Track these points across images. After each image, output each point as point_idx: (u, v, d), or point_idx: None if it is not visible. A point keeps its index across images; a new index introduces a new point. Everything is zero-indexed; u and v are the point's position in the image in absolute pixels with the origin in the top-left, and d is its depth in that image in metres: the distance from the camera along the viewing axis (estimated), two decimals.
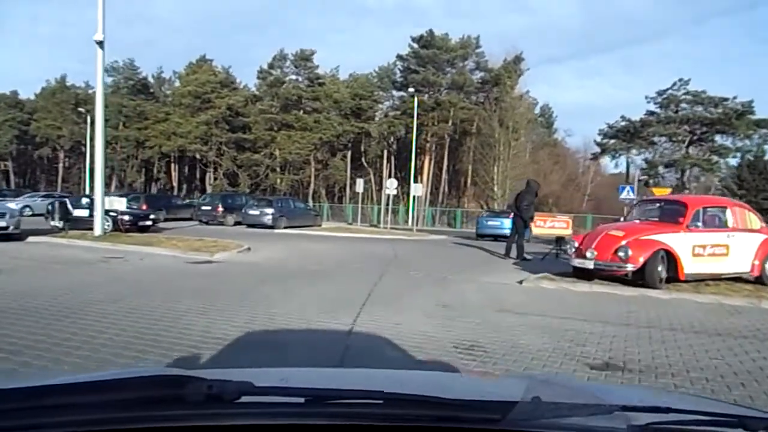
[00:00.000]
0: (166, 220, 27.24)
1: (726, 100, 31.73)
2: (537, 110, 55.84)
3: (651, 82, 75.33)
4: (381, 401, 0.94)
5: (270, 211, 23.50)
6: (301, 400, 0.92)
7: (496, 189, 49.02)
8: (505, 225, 26.49)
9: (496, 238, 22.85)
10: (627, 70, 75.64)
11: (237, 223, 24.60)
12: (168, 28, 78.22)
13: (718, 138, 33.30)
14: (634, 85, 77.37)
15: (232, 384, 0.90)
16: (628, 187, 23.14)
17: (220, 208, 25.02)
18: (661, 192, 24.66)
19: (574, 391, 1.39)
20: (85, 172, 49.19)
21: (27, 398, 0.90)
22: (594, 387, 2.24)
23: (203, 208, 25.56)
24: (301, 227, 24.45)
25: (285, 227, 23.90)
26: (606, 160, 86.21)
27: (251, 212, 23.88)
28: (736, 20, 73.06)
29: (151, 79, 59.06)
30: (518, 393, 1.03)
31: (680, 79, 32.87)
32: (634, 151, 36.45)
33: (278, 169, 51.27)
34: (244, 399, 0.88)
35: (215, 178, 52.12)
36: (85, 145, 45.08)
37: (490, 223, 25.61)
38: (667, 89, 33.35)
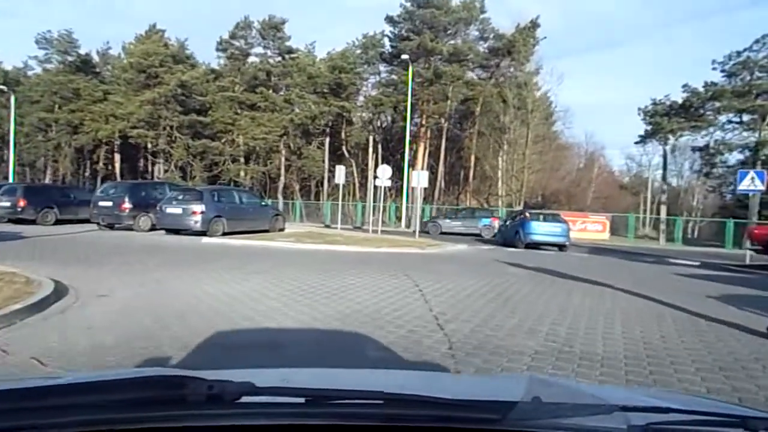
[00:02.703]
0: (58, 222, 18.63)
1: None
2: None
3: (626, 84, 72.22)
4: (381, 401, 0.93)
5: (199, 208, 15.01)
6: (302, 400, 0.91)
7: (500, 185, 41.13)
8: (562, 231, 18.48)
9: (555, 246, 18.31)
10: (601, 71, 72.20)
11: (155, 228, 16.14)
12: None
13: None
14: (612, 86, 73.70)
15: (233, 384, 0.89)
16: (753, 174, 15.18)
17: (127, 205, 16.34)
18: None
19: (574, 391, 1.38)
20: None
21: (27, 398, 0.89)
22: (594, 387, 2.11)
23: (101, 204, 16.75)
24: (252, 233, 16.05)
25: (225, 233, 15.43)
26: (617, 153, 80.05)
27: (170, 210, 15.35)
28: None
29: (95, 56, 49.85)
30: (518, 393, 1.02)
31: (764, 36, 25.22)
32: (686, 134, 28.62)
33: (241, 159, 42.55)
34: (245, 399, 0.88)
35: (165, 170, 43.16)
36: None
37: (543, 228, 17.66)
38: (743, 51, 25.81)
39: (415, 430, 0.90)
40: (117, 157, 45.39)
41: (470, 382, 1.91)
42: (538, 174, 43.88)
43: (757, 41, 25.67)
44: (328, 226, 31.06)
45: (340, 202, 25.46)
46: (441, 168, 41.15)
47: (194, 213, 14.92)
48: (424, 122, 39.87)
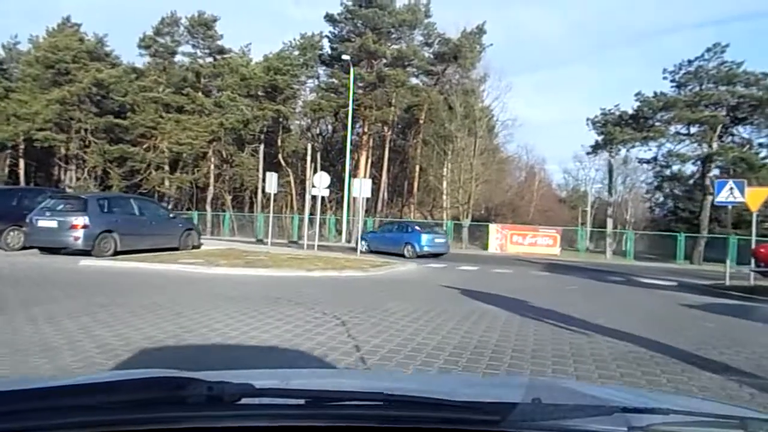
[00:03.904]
0: None
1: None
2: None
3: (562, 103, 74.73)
4: (381, 402, 0.93)
5: (81, 221, 11.80)
6: (302, 401, 0.93)
7: (445, 197, 39.26)
8: (445, 242, 21.10)
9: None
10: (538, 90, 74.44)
11: (28, 246, 12.71)
12: None
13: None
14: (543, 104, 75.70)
15: (233, 385, 0.89)
16: (731, 184, 13.63)
17: None
18: (761, 193, 15.36)
19: (574, 393, 1.36)
20: None
21: (27, 400, 0.89)
22: (594, 389, 2.05)
23: None
24: (155, 251, 12.97)
25: (118, 252, 12.28)
26: (555, 168, 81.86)
27: (44, 224, 12.01)
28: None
29: (0, 51, 44.47)
30: (518, 395, 1.04)
31: (715, 45, 24.49)
32: (637, 144, 27.62)
33: (166, 167, 38.61)
34: (245, 400, 0.88)
35: (78, 178, 38.59)
36: None
37: (432, 240, 19.78)
38: (695, 59, 24.99)
39: (415, 431, 0.89)
40: (21, 162, 40.24)
41: (470, 383, 1.84)
42: (484, 186, 42.55)
43: (708, 50, 25.03)
44: (260, 241, 28.01)
45: (271, 215, 22.50)
46: (384, 178, 38.88)
47: (74, 227, 11.70)
48: (366, 130, 37.51)
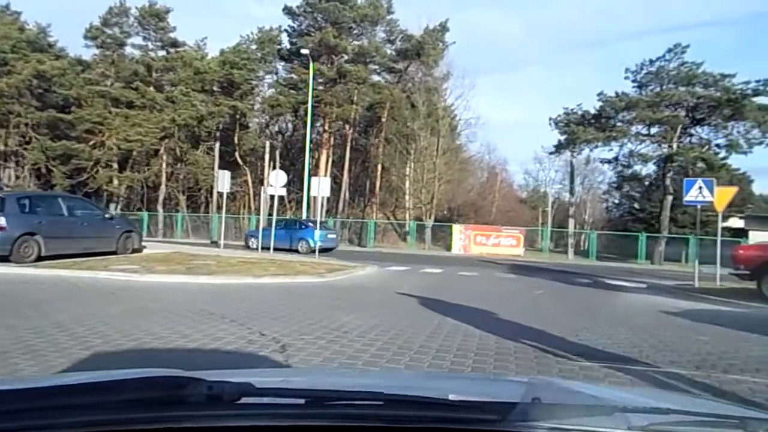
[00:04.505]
0: None
1: (729, 76, 23.89)
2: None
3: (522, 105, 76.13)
4: (381, 402, 0.93)
5: None
6: (302, 400, 0.92)
7: (407, 197, 38.54)
8: (335, 238, 23.39)
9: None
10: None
11: None
12: None
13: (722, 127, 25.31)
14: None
15: (233, 385, 0.90)
16: (700, 183, 13.27)
17: None
18: (727, 192, 15.14)
19: (574, 392, 1.35)
20: None
21: (27, 399, 0.89)
22: (594, 388, 2.02)
23: None
24: (88, 256, 11.65)
25: (42, 257, 10.92)
26: (517, 169, 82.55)
27: None
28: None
29: None
30: (518, 394, 1.02)
31: (676, 45, 24.50)
32: (600, 144, 27.49)
33: (114, 165, 36.53)
34: (245, 400, 0.88)
35: (17, 176, 36.08)
36: None
37: (325, 235, 21.72)
38: (656, 60, 24.96)
39: (415, 431, 0.88)
40: None
41: (470, 383, 1.80)
42: (446, 186, 42.04)
43: (669, 50, 25.06)
44: (215, 243, 26.58)
45: (224, 215, 21.24)
46: (346, 178, 37.82)
47: None
48: (327, 128, 36.39)
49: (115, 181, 36.40)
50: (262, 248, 19.99)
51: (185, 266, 11.18)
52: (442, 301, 8.12)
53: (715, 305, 9.17)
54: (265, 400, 0.90)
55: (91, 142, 35.68)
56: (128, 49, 38.32)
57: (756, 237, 25.03)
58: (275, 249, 19.65)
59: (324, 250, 20.49)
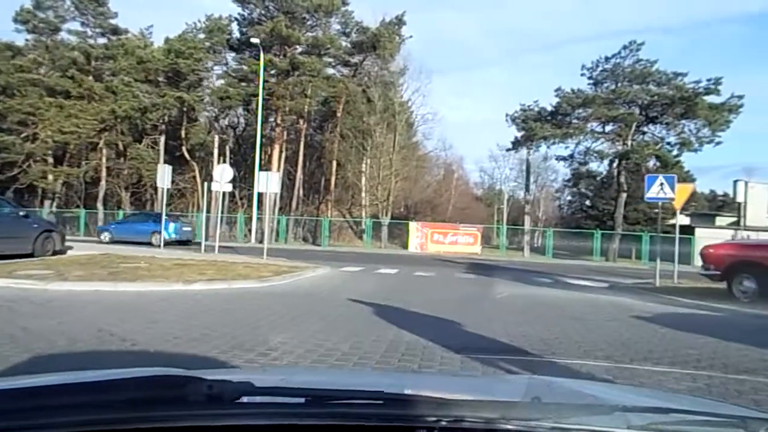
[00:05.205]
0: None
1: (682, 75, 24.05)
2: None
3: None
4: (381, 401, 0.93)
5: None
6: (302, 400, 0.92)
7: (363, 194, 37.57)
8: (190, 230, 23.95)
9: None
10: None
11: None
12: None
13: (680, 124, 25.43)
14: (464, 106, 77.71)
15: (233, 384, 0.90)
16: (661, 179, 12.88)
17: None
18: (685, 189, 14.97)
19: (574, 392, 1.34)
20: None
21: (27, 398, 0.89)
22: (594, 388, 2.02)
23: None
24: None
25: None
26: (472, 167, 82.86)
27: None
28: None
29: None
30: (519, 393, 1.02)
31: (632, 42, 24.45)
32: (557, 141, 27.29)
33: (50, 159, 34.06)
34: (245, 399, 0.88)
35: None
36: None
37: (181, 228, 22.50)
38: (612, 57, 24.86)
39: (415, 431, 0.87)
40: None
41: (470, 382, 1.78)
42: (403, 183, 41.34)
43: (625, 47, 25.05)
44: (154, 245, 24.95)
45: (164, 212, 19.69)
46: (300, 174, 36.52)
47: None
48: (280, 122, 34.94)
49: (50, 177, 33.95)
50: (114, 242, 20.91)
51: (108, 271, 9.87)
52: (397, 310, 7.22)
53: (687, 308, 8.62)
54: (265, 399, 0.90)
55: (23, 135, 33.12)
56: (64, 35, 35.82)
57: (702, 234, 25.43)
58: (128, 242, 20.30)
59: (180, 243, 21.23)
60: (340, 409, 0.91)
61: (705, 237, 23.86)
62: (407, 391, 1.05)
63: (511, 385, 1.49)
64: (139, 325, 5.45)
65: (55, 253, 12.35)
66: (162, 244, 18.56)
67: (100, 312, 6.23)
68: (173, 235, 21.04)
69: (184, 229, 23.40)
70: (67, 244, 14.02)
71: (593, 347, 5.23)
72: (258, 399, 0.89)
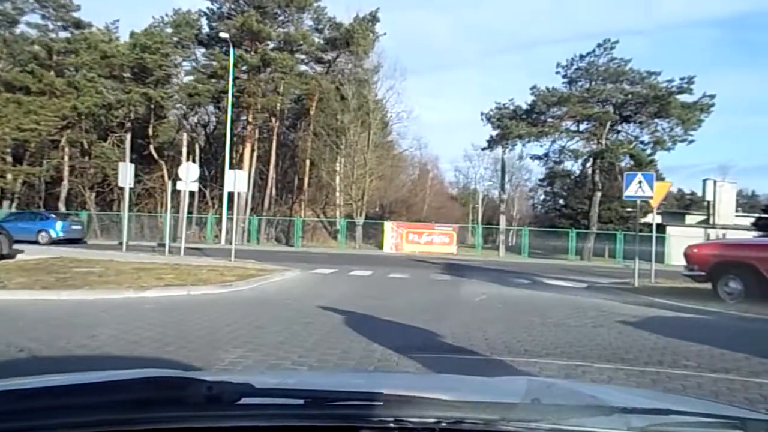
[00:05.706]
0: None
1: (655, 74, 24.07)
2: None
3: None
4: (381, 402, 0.92)
5: None
6: (301, 401, 0.92)
7: (337, 193, 36.93)
8: (82, 228, 24.09)
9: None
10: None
11: None
12: None
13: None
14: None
15: (232, 385, 0.91)
16: (640, 177, 12.63)
17: None
18: (663, 187, 14.82)
19: (574, 393, 1.35)
20: None
21: (26, 399, 0.89)
22: (594, 389, 2.00)
23: None
24: None
25: None
26: (447, 167, 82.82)
27: None
28: None
29: None
30: (518, 395, 1.02)
31: (606, 41, 24.38)
32: (532, 139, 27.10)
33: (8, 158, 32.53)
34: (244, 401, 0.88)
35: None
36: None
37: (69, 227, 22.43)
38: (586, 55, 24.77)
39: (415, 431, 0.88)
40: None
41: (470, 383, 1.77)
42: (378, 182, 40.82)
43: (599, 45, 24.99)
44: (119, 245, 23.87)
45: (126, 213, 18.82)
46: (272, 174, 35.68)
47: None
48: (251, 120, 34.06)
49: (9, 176, 32.42)
50: None
51: (56, 277, 9.08)
52: (370, 318, 6.67)
53: (672, 311, 8.29)
54: (265, 400, 0.90)
55: None
56: (24, 28, 34.29)
57: (673, 232, 25.60)
58: (16, 241, 20.24)
59: (70, 241, 21.20)
60: (339, 411, 0.91)
61: (677, 235, 24.00)
62: (407, 391, 1.04)
63: (510, 387, 1.47)
64: (70, 342, 4.78)
65: (1, 257, 11.47)
66: (49, 243, 18.55)
67: (24, 326, 5.48)
68: (61, 234, 20.96)
69: (73, 227, 23.40)
70: (18, 247, 13.14)
71: (581, 353, 4.77)
72: (257, 400, 0.89)
